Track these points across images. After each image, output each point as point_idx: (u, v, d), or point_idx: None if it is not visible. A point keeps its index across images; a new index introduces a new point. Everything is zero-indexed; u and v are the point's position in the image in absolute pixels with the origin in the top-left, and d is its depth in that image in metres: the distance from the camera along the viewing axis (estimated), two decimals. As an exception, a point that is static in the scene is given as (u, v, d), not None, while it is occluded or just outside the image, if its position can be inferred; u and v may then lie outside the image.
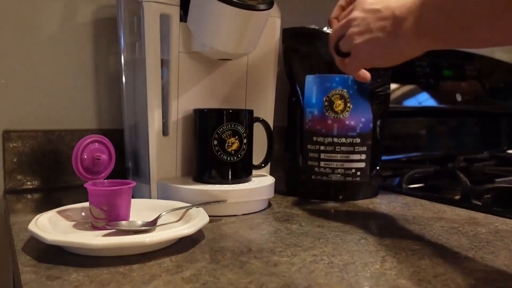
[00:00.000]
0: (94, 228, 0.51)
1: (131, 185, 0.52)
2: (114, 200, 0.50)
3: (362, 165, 0.71)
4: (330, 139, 0.71)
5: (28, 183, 0.78)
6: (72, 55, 0.81)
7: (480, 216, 0.63)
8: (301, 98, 0.74)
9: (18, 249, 0.46)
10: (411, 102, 1.07)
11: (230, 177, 0.65)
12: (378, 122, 0.75)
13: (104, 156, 0.55)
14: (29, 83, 0.79)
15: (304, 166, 0.73)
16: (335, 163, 0.71)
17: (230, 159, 0.64)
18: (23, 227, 0.54)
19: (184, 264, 0.43)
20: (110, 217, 0.50)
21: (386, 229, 0.56)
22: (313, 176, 0.72)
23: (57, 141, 0.79)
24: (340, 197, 0.72)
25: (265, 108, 0.75)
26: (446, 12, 0.44)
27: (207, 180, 0.65)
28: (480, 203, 0.71)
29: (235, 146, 0.64)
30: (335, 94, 0.70)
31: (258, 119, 0.69)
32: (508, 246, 0.50)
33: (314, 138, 0.71)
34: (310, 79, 0.73)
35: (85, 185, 0.52)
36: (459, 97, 1.17)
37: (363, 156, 0.71)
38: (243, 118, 0.65)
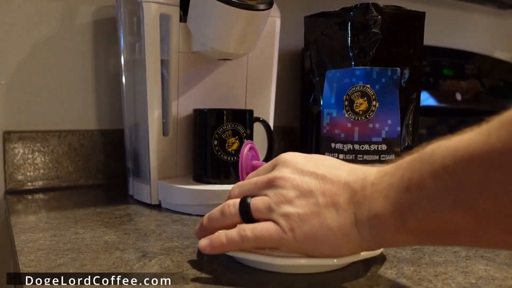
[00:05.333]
0: None
1: None
2: None
3: None
4: (350, 146, 0.58)
5: (29, 183, 0.78)
6: (72, 56, 0.81)
7: (480, 215, 0.63)
8: (320, 98, 0.64)
9: (19, 249, 0.46)
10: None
11: (230, 177, 0.65)
12: (409, 123, 0.61)
13: (265, 164, 0.51)
14: (29, 84, 0.79)
15: None
16: None
17: (230, 159, 0.64)
18: (23, 227, 0.54)
19: (185, 264, 0.43)
20: None
21: (387, 229, 0.56)
22: None
23: (57, 141, 0.79)
24: None
25: (265, 108, 0.75)
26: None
27: (207, 180, 0.65)
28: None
29: (235, 146, 0.64)
30: (356, 92, 0.58)
31: (258, 119, 0.69)
32: (508, 245, 0.50)
33: (333, 145, 0.60)
34: (330, 75, 0.62)
35: None
36: (459, 96, 1.17)
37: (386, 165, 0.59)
38: (243, 118, 0.65)
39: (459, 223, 0.29)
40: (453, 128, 0.30)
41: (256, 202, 0.38)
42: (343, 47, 0.62)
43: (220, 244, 0.38)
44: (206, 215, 0.42)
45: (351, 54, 0.59)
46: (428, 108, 1.12)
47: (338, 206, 0.35)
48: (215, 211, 0.41)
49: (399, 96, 0.59)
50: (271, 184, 0.38)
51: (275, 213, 0.37)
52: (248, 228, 0.37)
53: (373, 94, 0.58)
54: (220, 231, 0.40)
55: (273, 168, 0.40)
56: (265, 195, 0.38)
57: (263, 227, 0.37)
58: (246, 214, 0.38)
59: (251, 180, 0.41)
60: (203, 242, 0.39)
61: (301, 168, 0.38)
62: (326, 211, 0.35)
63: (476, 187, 0.27)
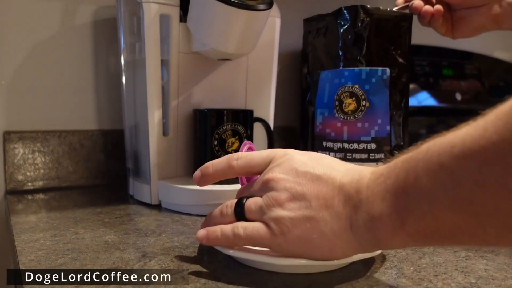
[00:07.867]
0: None
1: None
2: None
3: None
4: (340, 145, 0.60)
5: (29, 183, 0.78)
6: (72, 56, 0.81)
7: (480, 215, 0.63)
8: (315, 98, 0.66)
9: (19, 249, 0.46)
10: (410, 102, 1.06)
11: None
12: (400, 122, 0.62)
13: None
14: (29, 84, 0.79)
15: None
16: None
17: (230, 159, 0.64)
18: (24, 227, 0.54)
19: (185, 264, 0.43)
20: None
21: (387, 229, 0.56)
22: None
23: (57, 141, 0.79)
24: None
25: (265, 108, 0.75)
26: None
27: (207, 180, 0.65)
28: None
29: (235, 146, 0.64)
30: (344, 92, 0.60)
31: (258, 119, 0.69)
32: (508, 245, 0.50)
33: (324, 144, 0.61)
34: (323, 76, 0.63)
35: None
36: (458, 96, 1.17)
37: (380, 165, 0.61)
38: (243, 118, 0.65)
39: (457, 222, 0.28)
40: (453, 128, 0.30)
41: (250, 204, 0.39)
42: (334, 49, 0.63)
43: (215, 238, 0.40)
44: (209, 213, 0.44)
45: (340, 55, 0.60)
46: (428, 108, 1.12)
47: (332, 209, 0.35)
48: (216, 210, 0.42)
49: (389, 96, 0.60)
50: (264, 186, 0.38)
51: (266, 215, 0.37)
52: (241, 227, 0.38)
53: (362, 94, 0.59)
54: (218, 225, 0.41)
55: (268, 163, 0.40)
56: (260, 196, 0.38)
57: (254, 228, 0.37)
58: (240, 215, 0.39)
59: (252, 182, 0.41)
60: (201, 233, 0.41)
61: (296, 168, 0.37)
62: (319, 215, 0.35)
63: (473, 183, 0.26)
